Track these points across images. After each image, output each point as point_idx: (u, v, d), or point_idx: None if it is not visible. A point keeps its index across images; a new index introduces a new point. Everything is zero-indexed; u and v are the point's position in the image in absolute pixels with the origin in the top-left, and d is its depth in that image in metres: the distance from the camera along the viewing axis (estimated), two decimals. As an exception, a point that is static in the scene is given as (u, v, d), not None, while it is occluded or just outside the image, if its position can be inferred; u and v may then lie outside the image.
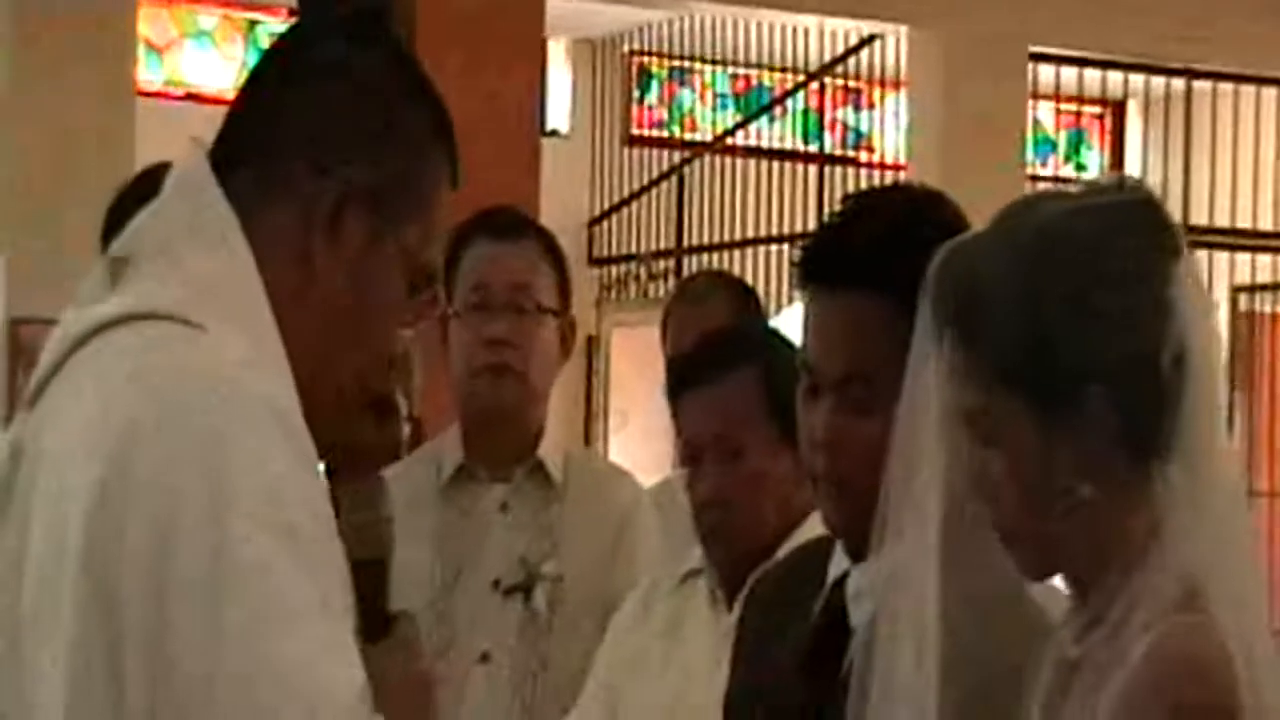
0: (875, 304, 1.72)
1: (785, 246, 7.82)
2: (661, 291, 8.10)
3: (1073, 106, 9.64)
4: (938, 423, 1.53)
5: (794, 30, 8.55)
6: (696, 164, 8.80)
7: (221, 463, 1.33)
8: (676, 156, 8.93)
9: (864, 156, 9.13)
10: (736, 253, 8.25)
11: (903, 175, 7.57)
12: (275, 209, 1.48)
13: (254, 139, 1.50)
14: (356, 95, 1.50)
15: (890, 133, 8.80)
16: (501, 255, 2.83)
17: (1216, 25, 7.53)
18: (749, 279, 6.05)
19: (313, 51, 1.52)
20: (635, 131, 9.28)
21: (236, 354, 1.41)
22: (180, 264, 1.45)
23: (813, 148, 8.66)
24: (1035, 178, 8.26)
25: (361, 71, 1.51)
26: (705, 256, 8.41)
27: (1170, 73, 8.12)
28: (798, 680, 1.81)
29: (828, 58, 8.43)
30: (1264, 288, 8.53)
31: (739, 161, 8.76)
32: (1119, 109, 9.85)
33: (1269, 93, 8.25)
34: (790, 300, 7.41)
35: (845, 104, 9.18)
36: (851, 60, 8.32)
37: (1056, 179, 9.05)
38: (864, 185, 7.62)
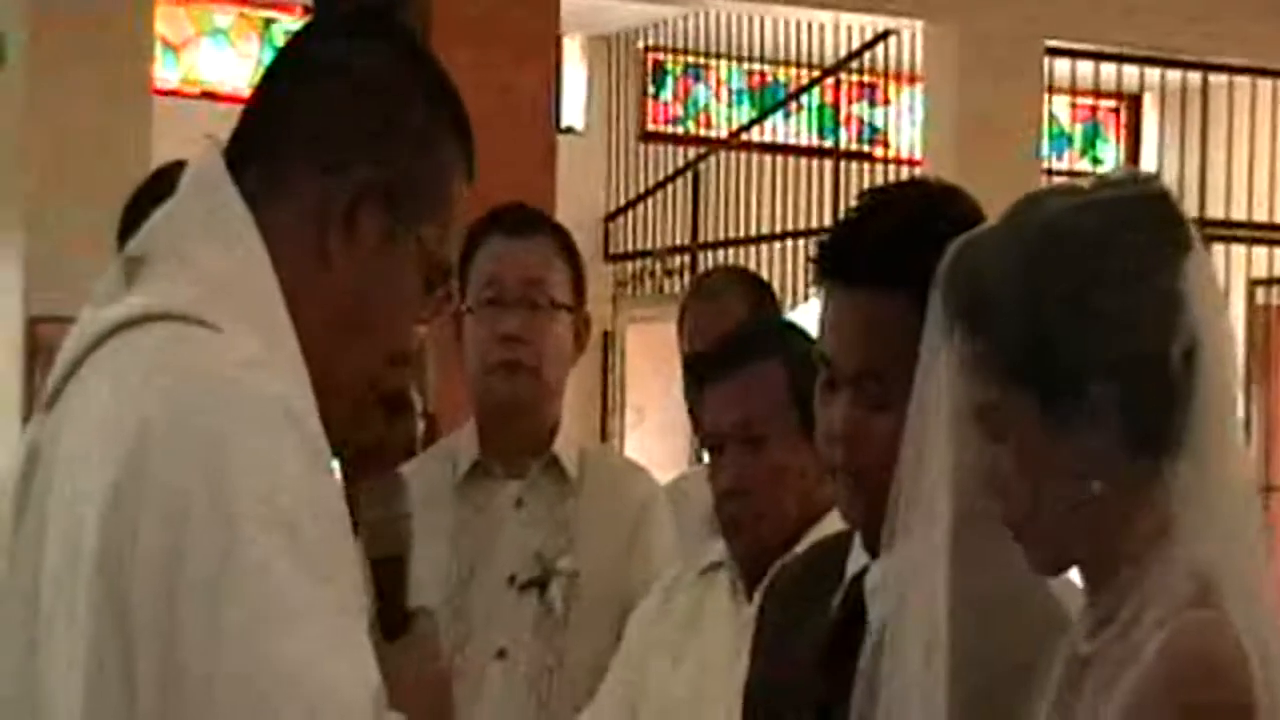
0: (892, 299, 1.72)
1: (801, 242, 7.82)
2: (677, 287, 8.11)
3: (1088, 100, 9.62)
4: (948, 418, 1.53)
5: (809, 25, 8.55)
6: (712, 160, 8.80)
7: (226, 464, 1.34)
8: (692, 152, 8.93)
9: (879, 152, 9.12)
10: (752, 248, 8.25)
11: (918, 170, 7.56)
12: (290, 207, 1.48)
13: (268, 138, 1.50)
14: (370, 92, 1.50)
15: (905, 128, 8.79)
16: (515, 251, 2.83)
17: (1232, 18, 7.52)
18: (764, 274, 6.05)
19: (326, 49, 1.52)
20: (650, 128, 9.28)
21: (250, 354, 1.41)
22: (195, 263, 1.45)
23: (828, 143, 8.66)
24: (1051, 172, 8.24)
25: (375, 68, 1.51)
26: (721, 252, 8.41)
27: (1186, 66, 8.10)
28: (816, 674, 1.81)
29: (843, 53, 8.42)
30: (1281, 281, 8.52)
31: (754, 157, 8.75)
32: (1135, 103, 9.83)
33: (1286, 86, 8.23)
34: (806, 295, 7.41)
35: (860, 99, 9.17)
36: (866, 55, 8.31)
37: (1072, 173, 9.03)
38: (879, 180, 7.62)
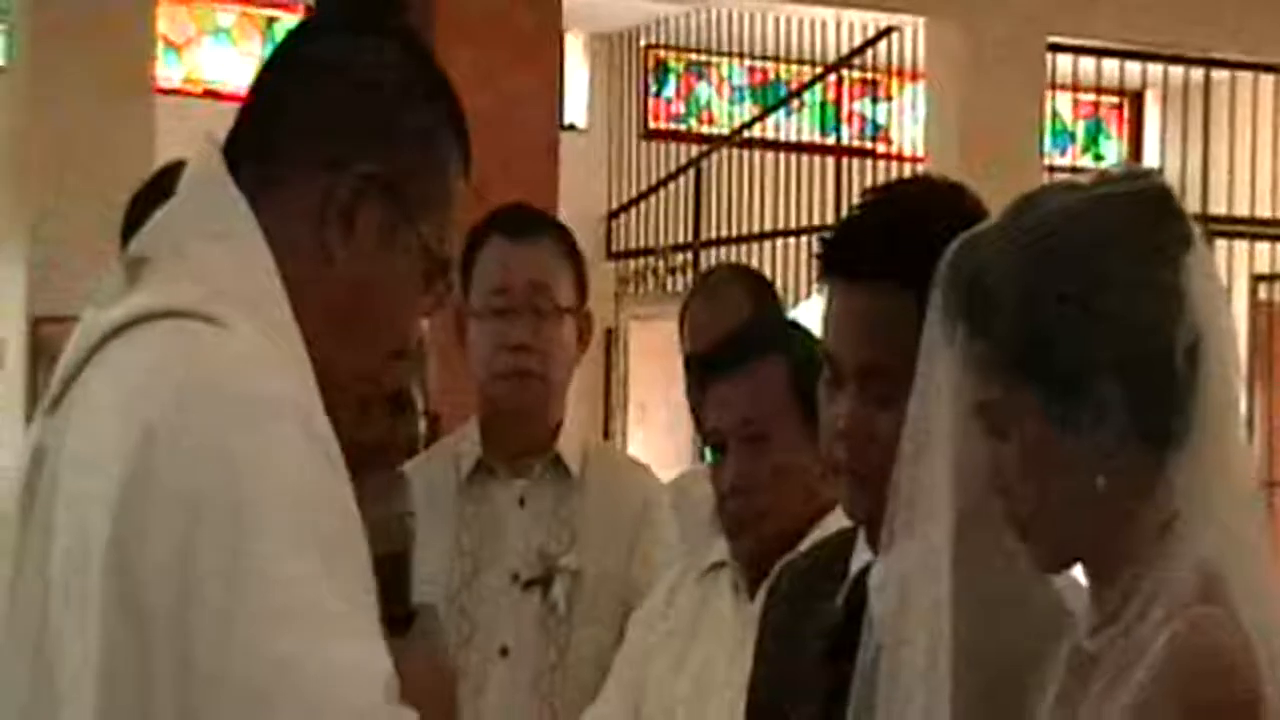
0: (896, 296, 1.72)
1: (803, 239, 7.82)
2: (680, 285, 8.11)
3: (1091, 97, 9.62)
4: (949, 416, 1.52)
5: (811, 22, 8.55)
6: (714, 157, 8.80)
7: (235, 461, 1.33)
8: (694, 150, 8.93)
9: (881, 148, 9.11)
10: (754, 245, 8.25)
11: (920, 167, 7.56)
12: (290, 205, 1.48)
13: (265, 135, 1.50)
14: (369, 89, 1.50)
15: (907, 125, 8.79)
16: (520, 256, 2.82)
17: (1234, 14, 7.51)
18: (767, 271, 6.05)
19: (324, 46, 1.52)
20: (653, 125, 9.28)
21: (256, 350, 1.41)
22: (198, 263, 1.45)
23: (830, 140, 8.65)
24: (1053, 168, 8.24)
25: (374, 65, 1.51)
26: (723, 249, 8.41)
27: (1189, 62, 8.10)
28: (821, 671, 1.81)
29: (845, 50, 8.42)
30: (1284, 277, 8.51)
31: (756, 154, 8.75)
32: (1137, 99, 9.82)
33: (1288, 81, 8.23)
34: (809, 292, 7.40)
35: (863, 96, 9.17)
36: (868, 52, 8.31)
37: (1074, 170, 9.02)
38: (881, 177, 7.61)
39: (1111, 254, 1.51)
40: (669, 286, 8.43)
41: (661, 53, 9.33)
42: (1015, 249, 1.52)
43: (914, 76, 8.09)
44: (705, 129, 9.36)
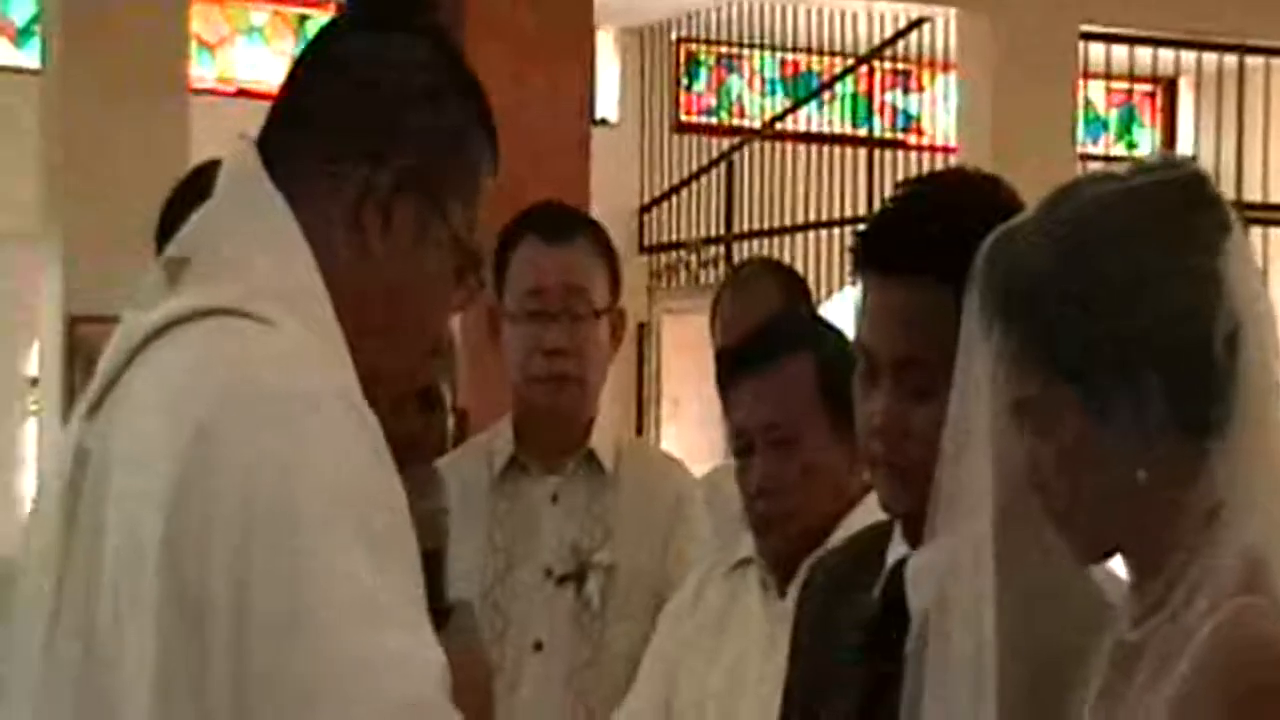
0: (932, 289, 1.71)
1: (836, 231, 7.81)
2: (712, 278, 8.10)
3: (1124, 85, 9.57)
4: (988, 410, 1.52)
5: (842, 14, 8.53)
6: (745, 150, 8.79)
7: (291, 460, 1.34)
8: (725, 143, 8.92)
9: (913, 139, 9.10)
10: (786, 238, 8.24)
11: (953, 158, 7.54)
12: (326, 203, 1.48)
13: (299, 133, 1.50)
14: (402, 86, 1.50)
15: (940, 115, 8.77)
16: (555, 258, 2.82)
17: (1268, 0, 7.46)
18: (799, 264, 6.04)
19: (355, 44, 1.52)
20: (684, 119, 9.28)
21: (303, 348, 1.41)
22: (238, 263, 1.45)
23: (862, 131, 8.64)
24: (1086, 157, 8.21)
25: (405, 63, 1.51)
26: (755, 242, 8.40)
27: (1222, 49, 8.05)
28: (857, 665, 1.81)
29: (876, 41, 8.40)
30: (1320, 264, 8.45)
31: (788, 147, 8.74)
32: (1170, 86, 9.77)
33: (1323, 68, 8.17)
34: (841, 285, 7.39)
35: (894, 87, 9.15)
36: (900, 43, 8.29)
37: (1108, 159, 8.98)
38: (914, 168, 7.60)
39: (1147, 243, 1.50)
40: (701, 280, 8.42)
41: (692, 46, 9.32)
42: (1050, 242, 1.51)
43: (945, 67, 8.06)
44: (737, 122, 9.35)
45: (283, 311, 1.42)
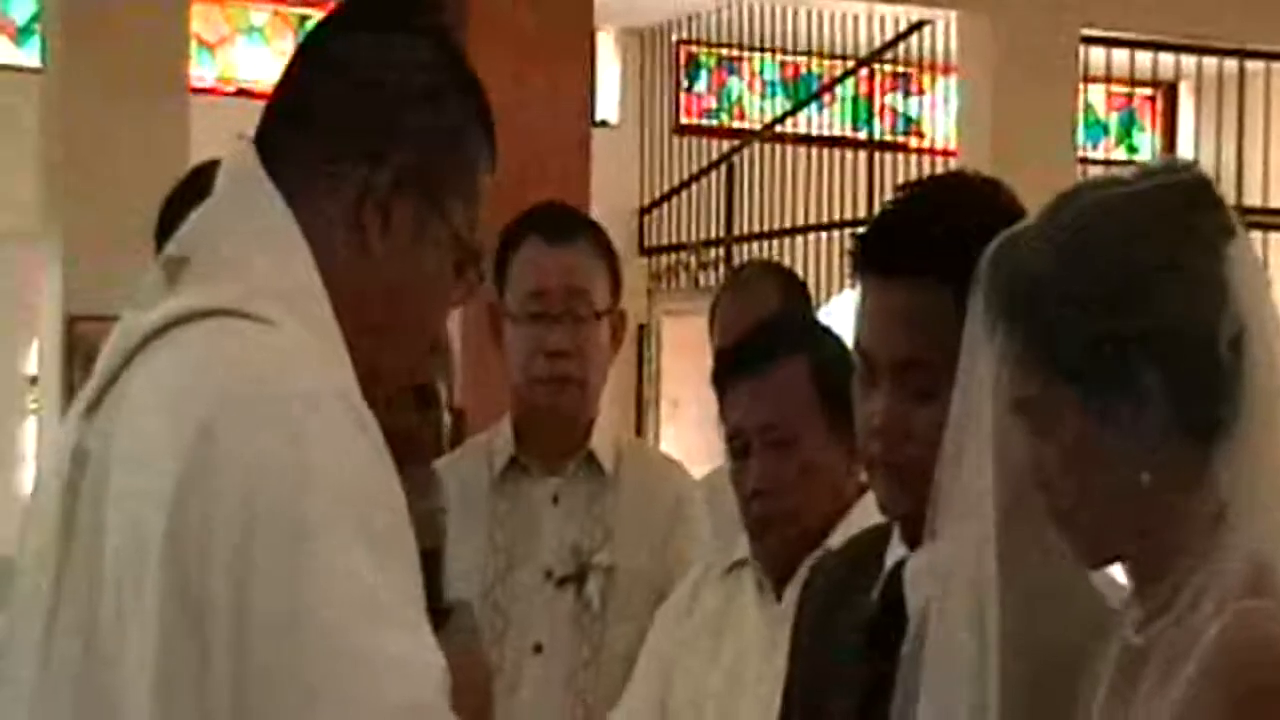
0: (931, 291, 1.71)
1: (836, 233, 7.81)
2: (712, 280, 8.11)
3: (1124, 89, 9.58)
4: (991, 412, 1.52)
5: (842, 16, 8.53)
6: (746, 152, 8.79)
7: (292, 459, 1.34)
8: (726, 145, 8.92)
9: (914, 142, 9.10)
10: (786, 240, 8.24)
11: (953, 161, 7.54)
12: (324, 201, 1.48)
13: (297, 133, 1.50)
14: (397, 85, 1.50)
15: (940, 118, 8.77)
16: (556, 259, 2.82)
17: (1268, 4, 7.47)
18: (799, 266, 6.04)
19: (352, 42, 1.52)
20: (684, 120, 9.28)
21: (303, 348, 1.41)
22: (238, 263, 1.45)
23: (862, 134, 8.64)
24: (1086, 161, 8.21)
25: (404, 61, 1.51)
26: (755, 244, 8.41)
27: (1222, 53, 8.06)
28: (857, 666, 1.81)
29: (877, 43, 8.41)
30: (1320, 269, 8.45)
31: (788, 149, 8.75)
32: (1171, 90, 9.78)
33: (1323, 72, 8.18)
34: (841, 287, 7.39)
35: (895, 90, 9.15)
36: (901, 45, 8.30)
37: (1108, 163, 8.99)
38: (914, 171, 7.60)
39: (1151, 246, 1.50)
40: (701, 282, 8.43)
41: (693, 47, 9.32)
42: (1053, 245, 1.51)
43: (946, 70, 8.07)
44: (737, 124, 9.35)
45: (282, 312, 1.42)
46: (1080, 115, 7.83)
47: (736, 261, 7.88)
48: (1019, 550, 1.54)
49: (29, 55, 7.56)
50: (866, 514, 2.01)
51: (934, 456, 1.59)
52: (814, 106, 9.02)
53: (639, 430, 8.32)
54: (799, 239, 8.18)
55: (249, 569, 1.32)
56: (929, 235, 1.74)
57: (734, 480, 2.43)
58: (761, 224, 8.58)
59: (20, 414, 7.91)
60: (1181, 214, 1.51)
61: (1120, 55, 8.06)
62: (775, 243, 8.26)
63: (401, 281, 1.50)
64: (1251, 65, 8.18)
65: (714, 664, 2.49)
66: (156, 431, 1.38)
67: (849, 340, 1.84)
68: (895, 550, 1.82)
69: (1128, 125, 9.99)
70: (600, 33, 8.09)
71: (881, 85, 8.81)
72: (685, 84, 9.36)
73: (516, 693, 2.76)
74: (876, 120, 8.69)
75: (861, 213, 7.75)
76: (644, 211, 8.97)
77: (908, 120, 9.33)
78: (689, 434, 7.98)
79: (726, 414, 2.43)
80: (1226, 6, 7.42)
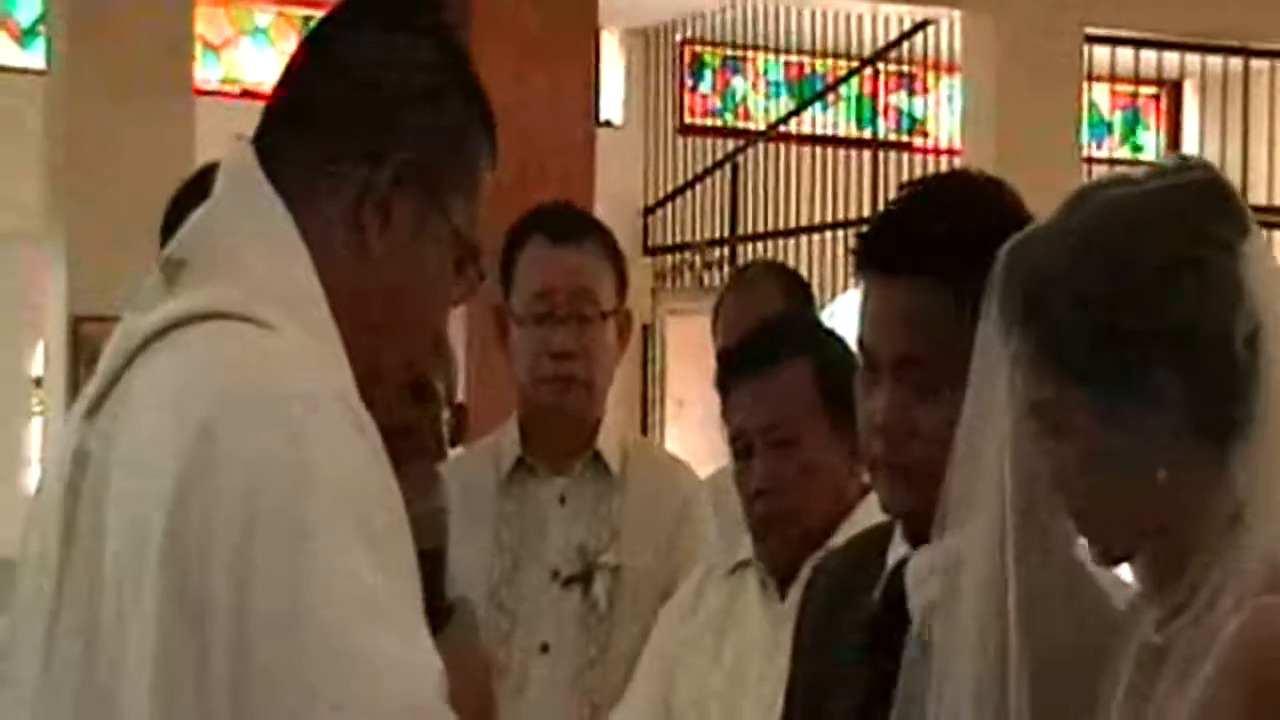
0: (933, 291, 1.71)
1: (840, 233, 7.81)
2: (716, 279, 8.11)
3: (1128, 88, 9.57)
4: (1004, 413, 1.52)
5: (846, 16, 8.53)
6: (750, 152, 8.80)
7: (292, 460, 1.34)
8: (730, 144, 8.93)
9: (918, 142, 9.10)
10: (791, 240, 8.24)
11: (957, 160, 7.54)
12: (323, 201, 1.48)
13: (297, 133, 1.50)
14: (397, 85, 1.50)
15: (944, 117, 8.77)
16: (563, 260, 2.82)
17: (1273, 1, 7.46)
18: (803, 266, 6.04)
19: (353, 41, 1.52)
20: (688, 120, 9.29)
21: (302, 350, 1.41)
22: (237, 265, 1.45)
23: (866, 134, 8.65)
24: (1091, 160, 8.21)
25: (404, 60, 1.51)
26: (759, 244, 8.41)
27: (1227, 51, 8.05)
28: (859, 666, 1.81)
29: (881, 43, 8.41)
30: (1325, 267, 8.44)
31: (792, 149, 8.75)
32: (1175, 89, 9.77)
33: (1328, 70, 8.17)
34: (846, 286, 7.40)
35: (898, 89, 9.15)
36: (905, 45, 8.30)
37: (1112, 161, 8.99)
38: (918, 171, 7.60)
39: (1164, 246, 1.49)
40: (705, 281, 8.43)
41: (697, 47, 9.32)
42: (1066, 246, 1.51)
43: (950, 69, 8.07)
44: (741, 124, 9.35)
45: (282, 316, 1.42)
46: (1084, 114, 7.83)
47: (741, 261, 7.88)
48: (1023, 551, 1.54)
49: (34, 57, 7.57)
50: (869, 514, 2.01)
51: (936, 454, 1.60)
52: (818, 106, 9.02)
53: (643, 430, 8.32)
54: (803, 239, 8.18)
55: (249, 569, 1.32)
56: (931, 234, 1.74)
57: (737, 480, 2.43)
58: (766, 224, 8.59)
59: (25, 415, 7.93)
60: (1195, 212, 1.51)
61: (1124, 54, 8.05)
62: (780, 242, 8.26)
63: (401, 279, 1.50)
64: (1256, 63, 8.17)
65: (717, 663, 2.49)
66: (157, 432, 1.38)
67: (852, 340, 1.84)
68: (897, 549, 1.82)
69: (1132, 124, 9.99)
70: (604, 32, 8.09)
71: (885, 85, 8.81)
72: (689, 84, 9.36)
73: (523, 693, 2.76)
74: (881, 120, 8.69)
75: (866, 212, 7.75)
76: (648, 211, 8.97)
77: (912, 120, 9.33)
78: (693, 434, 7.98)
79: (729, 415, 2.43)
80: (1230, 4, 7.41)
